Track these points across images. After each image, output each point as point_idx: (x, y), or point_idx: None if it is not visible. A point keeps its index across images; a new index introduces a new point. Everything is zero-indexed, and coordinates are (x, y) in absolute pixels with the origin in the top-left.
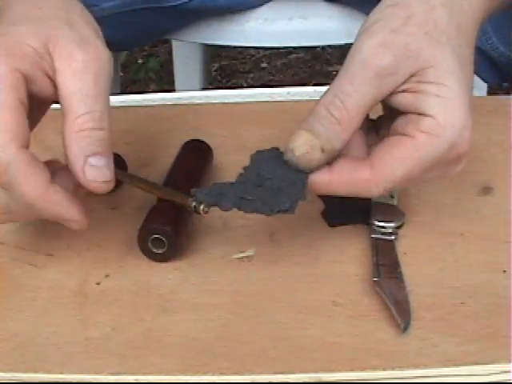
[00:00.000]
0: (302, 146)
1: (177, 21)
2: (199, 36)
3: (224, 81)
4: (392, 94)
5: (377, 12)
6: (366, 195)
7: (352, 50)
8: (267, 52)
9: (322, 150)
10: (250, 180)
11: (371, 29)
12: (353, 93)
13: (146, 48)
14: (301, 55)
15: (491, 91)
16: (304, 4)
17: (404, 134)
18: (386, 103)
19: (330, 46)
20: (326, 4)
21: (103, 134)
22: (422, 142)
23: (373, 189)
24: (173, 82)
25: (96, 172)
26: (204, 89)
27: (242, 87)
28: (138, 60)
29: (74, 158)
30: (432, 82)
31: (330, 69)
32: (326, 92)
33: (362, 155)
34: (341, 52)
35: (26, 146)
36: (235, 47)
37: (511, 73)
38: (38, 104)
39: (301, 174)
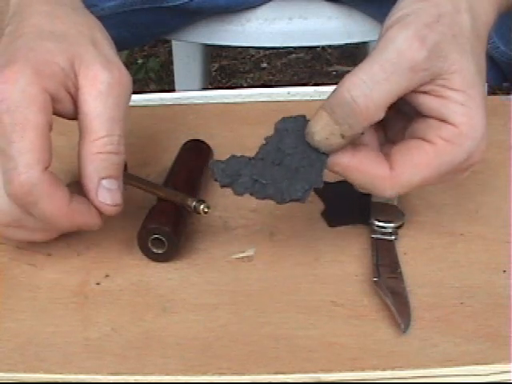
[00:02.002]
0: (322, 131)
1: (177, 21)
2: (199, 36)
3: (224, 81)
4: (414, 92)
5: (406, 6)
6: (378, 193)
7: (383, 40)
8: (267, 52)
9: (343, 137)
10: (269, 155)
11: (404, 21)
12: (383, 81)
13: (146, 48)
14: (301, 55)
15: (491, 91)
16: (304, 4)
17: (424, 139)
18: (397, 103)
19: (330, 46)
20: (326, 4)
21: (119, 158)
22: (443, 150)
23: (387, 190)
24: (173, 82)
25: (108, 194)
26: (204, 89)
27: (241, 87)
28: (138, 60)
29: (89, 178)
30: (458, 90)
31: (330, 69)
32: (351, 73)
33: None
34: (341, 52)
35: (48, 166)
36: (235, 47)
37: None
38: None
39: (321, 154)
